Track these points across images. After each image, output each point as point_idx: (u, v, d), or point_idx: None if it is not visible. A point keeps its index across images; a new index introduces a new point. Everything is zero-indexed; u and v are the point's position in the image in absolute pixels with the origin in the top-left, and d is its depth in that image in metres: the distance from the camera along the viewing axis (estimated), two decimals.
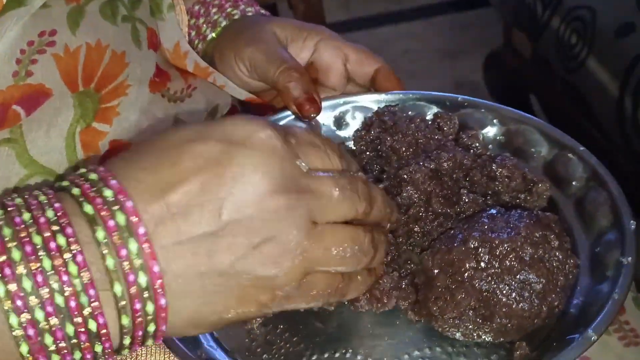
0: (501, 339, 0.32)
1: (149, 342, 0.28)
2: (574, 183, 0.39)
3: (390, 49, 1.63)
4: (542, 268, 0.31)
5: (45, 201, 0.27)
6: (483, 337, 0.32)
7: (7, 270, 0.25)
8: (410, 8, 1.78)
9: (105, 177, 0.27)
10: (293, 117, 0.45)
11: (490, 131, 0.43)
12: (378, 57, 0.48)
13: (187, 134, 0.28)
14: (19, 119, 0.36)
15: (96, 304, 0.26)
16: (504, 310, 0.31)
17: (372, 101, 0.46)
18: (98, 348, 0.26)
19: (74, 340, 0.26)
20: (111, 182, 0.27)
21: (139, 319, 0.26)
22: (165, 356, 0.37)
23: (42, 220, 0.26)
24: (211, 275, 0.27)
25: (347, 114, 0.46)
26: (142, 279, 0.26)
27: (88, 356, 0.26)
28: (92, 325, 0.26)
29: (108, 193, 0.26)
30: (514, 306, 0.31)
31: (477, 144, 0.41)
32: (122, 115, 0.40)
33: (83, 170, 0.28)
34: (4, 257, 0.25)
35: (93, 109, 0.39)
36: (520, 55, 1.05)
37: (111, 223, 0.26)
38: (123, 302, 0.26)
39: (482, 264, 0.31)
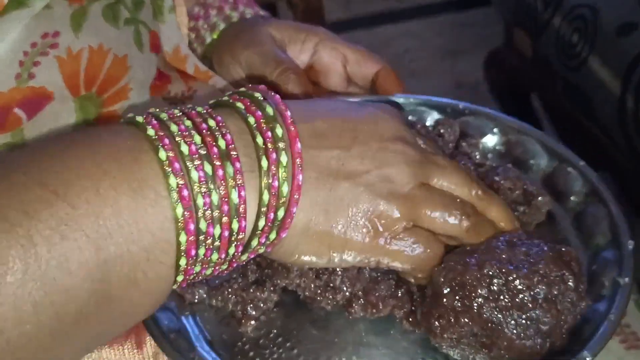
0: None
1: (272, 235, 0.30)
2: (572, 198, 0.39)
3: (391, 48, 1.63)
4: (553, 309, 0.31)
5: (203, 111, 0.30)
6: (477, 359, 0.32)
7: (166, 140, 0.28)
8: (410, 7, 1.78)
9: (257, 91, 0.32)
10: None
11: (490, 140, 0.43)
12: (378, 57, 0.48)
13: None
14: (20, 122, 0.36)
15: (240, 178, 0.28)
16: (505, 343, 0.31)
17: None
18: (235, 225, 0.28)
19: (217, 212, 0.28)
20: (262, 90, 0.31)
21: (275, 200, 0.29)
22: None
23: (192, 112, 0.30)
24: (336, 188, 0.31)
25: None
26: (283, 158, 0.29)
27: (226, 233, 0.28)
28: (234, 197, 0.28)
29: (258, 95, 0.31)
30: (516, 342, 0.31)
31: (477, 153, 0.41)
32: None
33: (242, 89, 0.32)
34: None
35: (95, 113, 0.39)
36: (521, 54, 1.05)
37: (259, 113, 0.30)
38: (266, 179, 0.29)
39: (494, 295, 0.31)
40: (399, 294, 0.34)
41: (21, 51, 0.35)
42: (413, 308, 0.34)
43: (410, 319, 0.34)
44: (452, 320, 0.31)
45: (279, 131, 0.29)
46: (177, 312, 0.35)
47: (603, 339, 0.30)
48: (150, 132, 0.28)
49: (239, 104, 0.30)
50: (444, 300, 0.32)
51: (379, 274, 0.34)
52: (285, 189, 0.29)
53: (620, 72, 0.79)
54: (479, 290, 0.31)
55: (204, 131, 0.29)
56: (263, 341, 0.34)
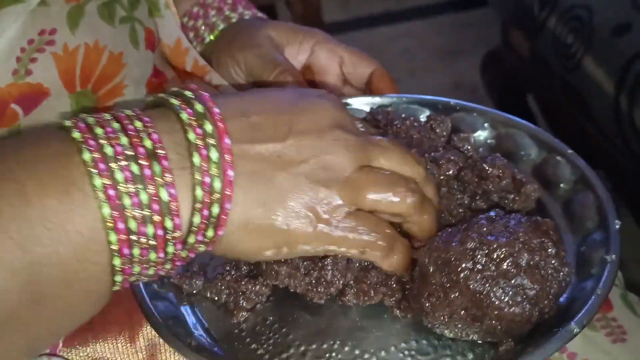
0: (488, 340, 0.33)
1: (210, 232, 0.30)
2: (562, 185, 0.39)
3: (390, 48, 1.63)
4: (537, 275, 0.31)
5: (132, 114, 0.31)
6: (471, 336, 0.33)
7: (91, 142, 0.28)
8: (409, 7, 1.78)
9: (188, 89, 0.32)
10: None
11: (482, 134, 0.44)
12: (373, 59, 0.49)
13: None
14: (17, 118, 0.37)
15: (169, 177, 0.28)
16: (495, 312, 0.31)
17: (367, 104, 0.47)
18: (168, 223, 0.29)
19: (147, 211, 0.28)
20: (193, 88, 0.32)
21: (208, 196, 0.29)
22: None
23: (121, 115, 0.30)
24: (272, 181, 0.31)
25: None
26: (214, 154, 0.29)
27: (160, 232, 0.28)
28: (164, 195, 0.28)
29: (189, 93, 0.31)
30: (505, 310, 0.31)
31: (469, 146, 0.42)
32: None
33: (175, 89, 0.33)
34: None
35: (90, 109, 0.40)
36: (518, 54, 1.06)
37: (189, 110, 0.30)
38: (198, 176, 0.29)
39: (479, 266, 0.31)
40: (390, 283, 0.34)
41: (18, 47, 0.36)
42: (405, 295, 0.34)
43: (402, 306, 0.34)
44: (442, 296, 0.32)
45: (208, 127, 0.30)
46: (175, 302, 0.35)
47: (590, 312, 0.31)
48: (76, 134, 0.28)
49: (174, 100, 0.31)
50: (432, 279, 0.32)
51: (368, 263, 0.35)
52: (217, 185, 0.29)
53: (615, 72, 0.80)
54: (464, 264, 0.31)
55: (131, 132, 0.29)
56: (259, 328, 0.34)
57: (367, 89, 0.49)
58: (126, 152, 0.28)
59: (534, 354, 0.30)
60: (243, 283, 0.35)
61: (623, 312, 0.39)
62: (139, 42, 0.43)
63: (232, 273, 0.36)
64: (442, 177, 0.38)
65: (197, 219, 0.29)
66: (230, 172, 0.30)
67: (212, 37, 0.51)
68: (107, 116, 0.30)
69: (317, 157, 0.32)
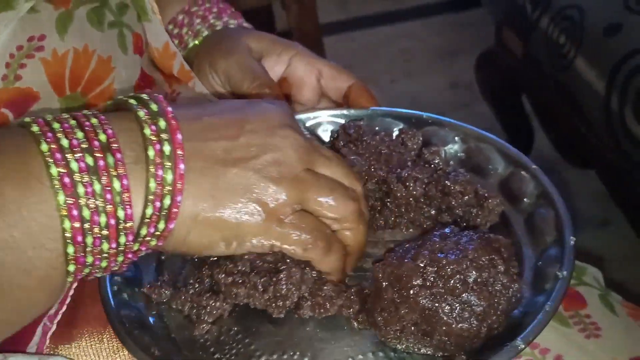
0: (440, 354, 0.33)
1: (161, 225, 0.31)
2: (525, 200, 0.40)
3: (387, 48, 1.64)
4: (484, 291, 0.32)
5: (89, 113, 0.32)
6: (423, 350, 0.33)
7: (49, 134, 0.29)
8: (406, 8, 1.79)
9: (144, 93, 0.33)
10: None
11: (452, 148, 0.44)
12: (351, 73, 0.49)
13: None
14: (8, 121, 0.38)
15: (121, 169, 0.30)
16: (444, 328, 0.32)
17: (341, 116, 0.47)
18: (120, 213, 0.30)
19: (100, 200, 0.29)
20: (148, 92, 0.33)
21: (160, 188, 0.30)
22: None
23: (82, 118, 0.31)
24: (224, 176, 0.32)
25: (317, 127, 0.47)
26: (167, 147, 0.31)
27: (112, 221, 0.29)
28: (116, 185, 0.29)
29: (144, 95, 0.32)
30: (453, 325, 0.32)
31: (438, 160, 0.42)
32: None
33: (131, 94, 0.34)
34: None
35: (78, 110, 0.40)
36: (512, 54, 1.06)
37: (145, 110, 0.31)
38: (152, 169, 0.30)
39: (428, 283, 0.32)
40: (348, 295, 0.35)
41: (7, 53, 0.37)
42: (365, 307, 0.35)
43: (359, 319, 0.35)
44: (393, 311, 0.32)
45: (162, 124, 0.31)
46: (144, 311, 0.36)
47: (537, 328, 0.31)
48: (35, 128, 0.30)
49: (132, 101, 0.32)
50: (384, 294, 0.33)
51: (323, 275, 0.35)
52: (169, 177, 0.30)
53: (606, 72, 0.80)
54: (414, 281, 0.32)
55: (87, 128, 0.30)
56: (223, 338, 0.35)
57: (345, 103, 0.49)
58: (82, 144, 0.29)
59: None
60: (205, 298, 0.35)
61: (599, 310, 0.40)
62: (127, 46, 0.44)
63: (196, 286, 0.36)
64: (410, 198, 0.39)
65: (149, 210, 0.30)
66: (182, 166, 0.31)
67: (195, 42, 0.52)
68: (65, 115, 0.31)
69: (267, 154, 0.33)
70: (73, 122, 0.30)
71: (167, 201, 0.31)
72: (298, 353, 0.34)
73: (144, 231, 0.31)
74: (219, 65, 0.48)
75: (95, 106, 0.42)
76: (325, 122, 0.47)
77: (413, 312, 0.32)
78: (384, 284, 0.33)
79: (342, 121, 0.47)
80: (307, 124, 0.47)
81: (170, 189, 0.31)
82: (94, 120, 0.30)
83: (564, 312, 0.40)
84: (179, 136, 0.31)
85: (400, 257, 0.33)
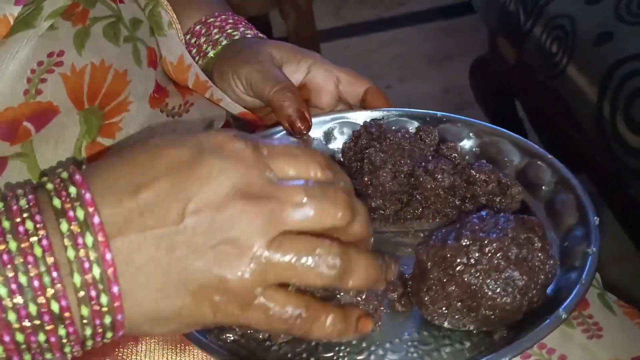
0: (484, 329, 0.35)
1: (109, 335, 0.29)
2: (543, 187, 0.43)
3: (381, 54, 1.66)
4: (525, 267, 0.34)
5: (22, 193, 0.29)
6: (468, 326, 0.35)
7: None
8: (400, 14, 1.81)
9: (72, 174, 0.29)
10: (285, 132, 0.49)
11: (467, 143, 0.47)
12: (366, 78, 0.52)
13: (161, 141, 0.30)
14: (30, 134, 0.39)
15: (59, 286, 0.27)
16: (489, 303, 0.34)
17: (358, 117, 0.49)
18: (62, 331, 0.28)
19: (37, 321, 0.27)
20: (76, 177, 0.29)
21: (96, 308, 0.28)
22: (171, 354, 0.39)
23: (14, 207, 0.28)
24: (170, 269, 0.28)
25: (335, 129, 0.50)
26: (96, 270, 0.28)
27: (53, 339, 0.28)
28: (55, 307, 0.27)
29: (72, 189, 0.29)
30: (498, 300, 0.34)
31: (456, 155, 0.44)
32: (124, 130, 0.43)
33: (60, 169, 0.30)
34: None
35: (97, 125, 0.42)
36: (505, 61, 1.08)
37: (71, 214, 0.28)
38: (82, 293, 0.28)
39: (472, 261, 0.34)
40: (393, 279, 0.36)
41: (29, 69, 0.38)
42: (405, 290, 0.37)
43: (403, 302, 0.37)
44: (440, 290, 0.34)
45: (89, 240, 0.28)
46: None
47: (576, 299, 0.34)
48: None
49: (56, 202, 0.28)
50: (430, 274, 0.35)
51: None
52: (104, 300, 0.28)
53: (598, 79, 0.82)
54: (459, 259, 0.34)
55: (21, 235, 0.27)
56: None
57: (362, 106, 0.52)
58: (15, 260, 0.27)
59: (527, 339, 0.33)
60: None
61: (600, 310, 0.42)
62: (141, 59, 0.45)
63: None
64: (438, 189, 0.41)
65: (89, 331, 0.28)
66: (116, 289, 0.28)
67: (214, 52, 0.53)
68: (1, 206, 0.28)
69: (221, 235, 0.28)
70: (6, 224, 0.28)
71: (107, 319, 0.28)
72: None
73: (89, 343, 0.29)
74: (242, 72, 0.50)
75: (112, 118, 0.43)
76: (343, 123, 0.50)
77: (459, 289, 0.34)
78: (429, 264, 0.35)
79: (360, 122, 0.49)
80: (326, 126, 0.50)
81: (108, 309, 0.28)
82: (30, 225, 0.27)
83: None
84: (109, 257, 0.28)
85: (443, 239, 0.35)
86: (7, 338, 0.27)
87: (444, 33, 1.71)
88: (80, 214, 0.28)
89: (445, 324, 0.35)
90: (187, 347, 0.39)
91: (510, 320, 0.35)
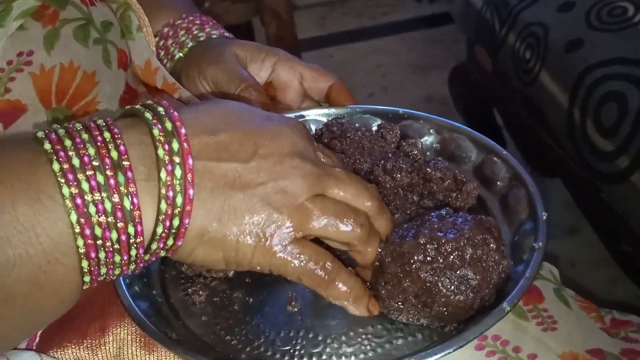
0: (437, 324, 0.36)
1: (170, 242, 0.32)
2: (498, 183, 0.44)
3: (364, 63, 1.68)
4: (479, 267, 0.35)
5: (103, 124, 0.32)
6: (422, 321, 0.36)
7: (61, 153, 0.30)
8: (383, 24, 1.84)
9: (161, 105, 0.33)
10: None
11: (428, 139, 0.48)
12: (331, 74, 0.53)
13: (236, 103, 0.36)
14: None
15: (132, 187, 0.30)
16: (443, 300, 0.35)
17: (323, 114, 0.51)
18: (131, 230, 0.31)
19: (112, 218, 0.30)
20: (165, 105, 0.33)
21: (169, 209, 0.31)
22: None
23: (92, 125, 0.32)
24: (230, 198, 0.33)
25: None
26: (178, 171, 0.31)
27: (123, 237, 0.31)
28: (127, 204, 0.30)
29: (160, 109, 0.33)
30: (451, 297, 0.35)
31: (416, 151, 0.46)
32: None
33: (149, 102, 0.34)
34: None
35: (64, 121, 0.43)
36: (483, 69, 1.10)
37: (160, 126, 0.32)
38: (163, 190, 0.31)
39: (429, 258, 0.35)
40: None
41: None
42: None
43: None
44: (397, 284, 0.35)
45: (175, 146, 0.31)
46: (157, 300, 0.39)
47: (520, 293, 0.35)
48: (47, 145, 0.30)
49: (148, 114, 0.32)
50: (387, 269, 0.36)
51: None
52: (179, 200, 0.31)
53: (568, 86, 0.84)
54: (416, 256, 0.35)
55: (99, 143, 0.30)
56: (232, 321, 0.38)
57: (327, 102, 0.52)
58: (93, 162, 0.30)
59: (473, 330, 0.34)
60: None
61: (555, 304, 0.42)
62: (111, 61, 0.46)
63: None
64: (397, 188, 0.42)
65: (159, 229, 0.31)
66: (191, 191, 0.32)
67: (181, 54, 0.54)
68: (79, 126, 0.32)
69: (274, 182, 0.34)
70: (85, 135, 0.31)
71: (176, 222, 0.32)
72: (303, 330, 0.37)
73: (154, 246, 0.32)
74: (208, 73, 0.51)
75: (80, 117, 0.44)
76: (309, 120, 0.51)
77: (415, 284, 0.35)
78: (387, 260, 0.36)
79: (325, 119, 0.50)
80: None
81: (180, 210, 0.32)
82: (107, 135, 0.31)
83: (523, 306, 0.43)
84: (190, 161, 0.32)
85: (402, 236, 0.36)
86: (87, 231, 0.30)
87: (427, 42, 1.73)
88: (168, 125, 0.32)
89: (401, 319, 0.36)
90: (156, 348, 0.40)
91: (462, 317, 0.36)
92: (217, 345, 0.37)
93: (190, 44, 0.54)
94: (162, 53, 0.56)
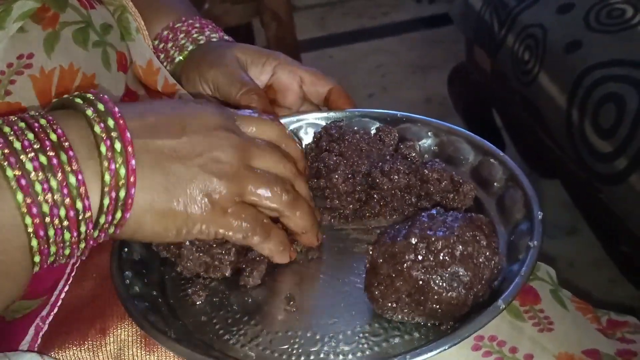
0: (432, 322, 0.37)
1: (118, 215, 0.34)
2: (495, 184, 0.44)
3: (364, 63, 1.68)
4: (470, 263, 0.35)
5: (36, 114, 0.33)
6: (416, 319, 0.36)
7: (1, 139, 0.31)
8: (383, 25, 1.84)
9: (89, 93, 0.35)
10: None
11: (426, 142, 0.48)
12: (331, 78, 0.53)
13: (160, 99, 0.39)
14: None
15: (75, 165, 0.32)
16: (435, 297, 0.35)
17: (322, 118, 0.51)
18: (79, 205, 0.32)
19: (58, 195, 0.31)
20: (94, 92, 0.35)
21: (113, 180, 0.33)
22: None
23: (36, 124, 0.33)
24: (170, 172, 0.35)
25: (300, 130, 0.51)
26: (117, 145, 0.33)
27: (71, 213, 0.32)
28: (72, 180, 0.32)
29: (89, 96, 0.35)
30: (443, 294, 0.35)
31: (414, 153, 0.46)
32: None
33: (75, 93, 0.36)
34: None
35: None
36: (482, 70, 1.11)
37: (92, 108, 0.34)
38: (105, 164, 0.33)
39: (420, 257, 0.35)
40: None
41: None
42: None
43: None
44: (389, 284, 0.35)
45: (111, 123, 0.33)
46: (156, 300, 0.39)
47: (515, 290, 0.35)
48: None
49: (78, 100, 0.34)
50: (380, 270, 0.36)
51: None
52: (122, 171, 0.33)
53: (567, 87, 0.85)
54: (407, 256, 0.35)
55: (37, 129, 0.32)
56: (230, 320, 0.38)
57: (326, 106, 0.53)
58: (33, 145, 0.31)
59: (468, 328, 0.34)
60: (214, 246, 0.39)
61: (551, 305, 0.43)
62: (110, 64, 0.46)
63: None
64: (394, 189, 0.43)
65: (106, 201, 0.33)
66: (133, 162, 0.33)
67: (181, 57, 0.54)
68: (13, 118, 0.33)
69: (209, 152, 0.37)
70: (22, 124, 0.32)
71: (122, 193, 0.33)
72: (301, 329, 0.37)
73: (102, 219, 0.33)
74: (208, 76, 0.51)
75: None
76: (308, 124, 0.51)
77: (407, 283, 0.35)
78: (379, 261, 0.36)
79: (324, 122, 0.50)
80: (291, 127, 0.51)
81: (124, 182, 0.33)
82: (43, 121, 0.32)
83: (519, 307, 0.43)
84: (128, 134, 0.34)
85: (393, 236, 0.37)
86: (34, 210, 0.31)
87: (427, 43, 1.74)
88: (100, 106, 0.34)
89: (396, 318, 0.37)
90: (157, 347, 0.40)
91: (457, 314, 0.36)
92: (216, 344, 0.37)
93: (190, 47, 0.55)
94: (162, 56, 0.56)
